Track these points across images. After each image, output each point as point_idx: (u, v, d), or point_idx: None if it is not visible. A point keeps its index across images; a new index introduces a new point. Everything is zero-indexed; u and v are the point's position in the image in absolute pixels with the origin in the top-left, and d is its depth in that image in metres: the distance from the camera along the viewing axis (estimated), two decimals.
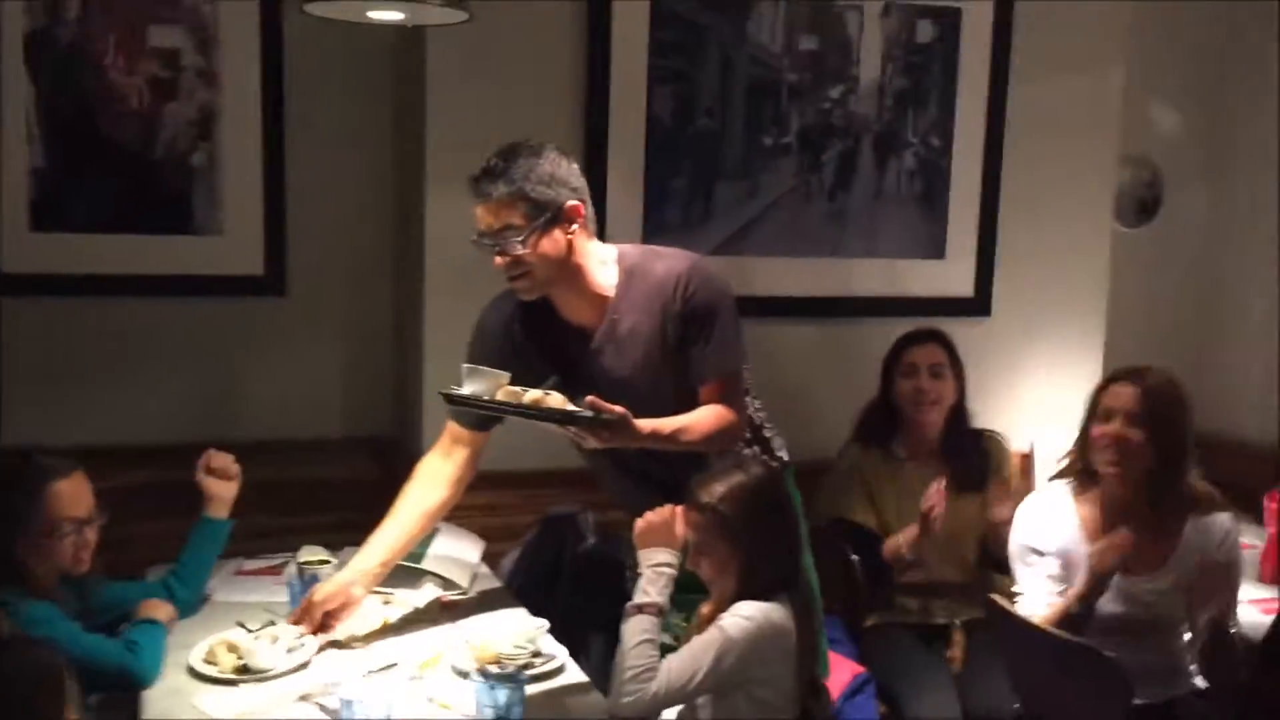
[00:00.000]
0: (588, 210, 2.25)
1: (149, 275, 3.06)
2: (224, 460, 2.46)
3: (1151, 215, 3.81)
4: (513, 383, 2.11)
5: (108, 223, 3.01)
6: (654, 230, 3.03)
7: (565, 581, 2.71)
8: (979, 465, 2.96)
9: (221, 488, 2.44)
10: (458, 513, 2.87)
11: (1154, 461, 2.43)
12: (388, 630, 2.30)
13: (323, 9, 2.15)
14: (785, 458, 2.46)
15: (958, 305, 3.36)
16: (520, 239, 2.17)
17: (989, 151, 3.32)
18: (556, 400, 2.07)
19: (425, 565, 2.58)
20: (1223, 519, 2.50)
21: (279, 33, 3.06)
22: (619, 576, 2.75)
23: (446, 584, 2.55)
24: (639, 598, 2.04)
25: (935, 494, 2.74)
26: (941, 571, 2.91)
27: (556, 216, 2.19)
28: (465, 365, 2.17)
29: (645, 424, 2.13)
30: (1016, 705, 2.61)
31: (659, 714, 2.03)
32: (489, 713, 1.85)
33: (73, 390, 3.05)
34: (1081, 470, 2.55)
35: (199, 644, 2.16)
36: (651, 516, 2.11)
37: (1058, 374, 3.44)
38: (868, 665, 2.73)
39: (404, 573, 2.54)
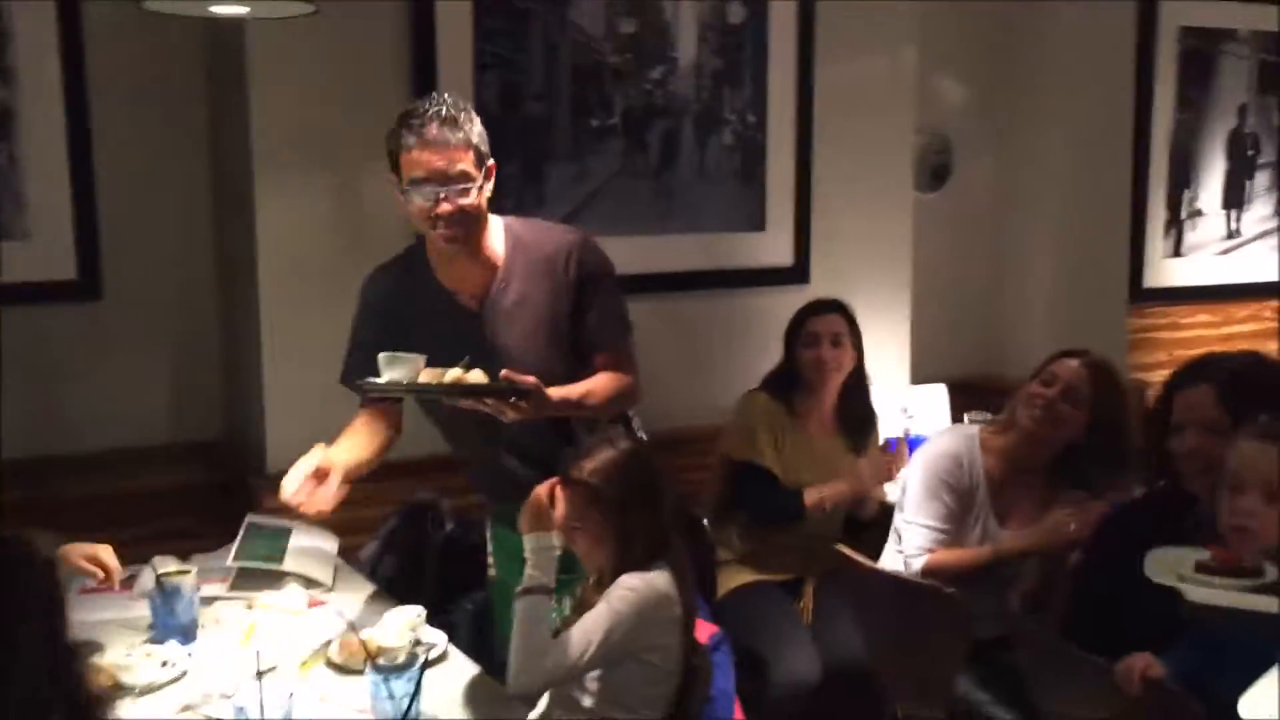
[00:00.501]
0: None
1: None
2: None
3: (944, 181, 4.07)
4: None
5: None
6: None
7: (429, 569, 2.72)
8: (870, 430, 3.13)
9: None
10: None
11: (1076, 433, 2.64)
12: (257, 634, 2.27)
13: (162, 6, 2.07)
14: (643, 436, 2.54)
15: (778, 275, 3.52)
16: (470, 187, 2.17)
17: (800, 127, 3.48)
18: (477, 376, 2.10)
19: (286, 566, 2.54)
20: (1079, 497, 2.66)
21: (78, 26, 2.91)
22: (480, 561, 2.80)
23: (309, 582, 2.52)
24: (526, 580, 2.08)
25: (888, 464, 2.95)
26: (814, 526, 3.04)
27: (488, 174, 2.22)
28: (382, 355, 2.15)
29: (555, 392, 2.16)
30: (866, 649, 2.79)
31: (554, 687, 2.08)
32: (388, 706, 1.86)
33: None
34: (1008, 417, 2.73)
35: None
36: (531, 500, 2.15)
37: (871, 332, 3.63)
38: (723, 625, 2.85)
39: (265, 576, 2.51)
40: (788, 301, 3.49)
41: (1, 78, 2.86)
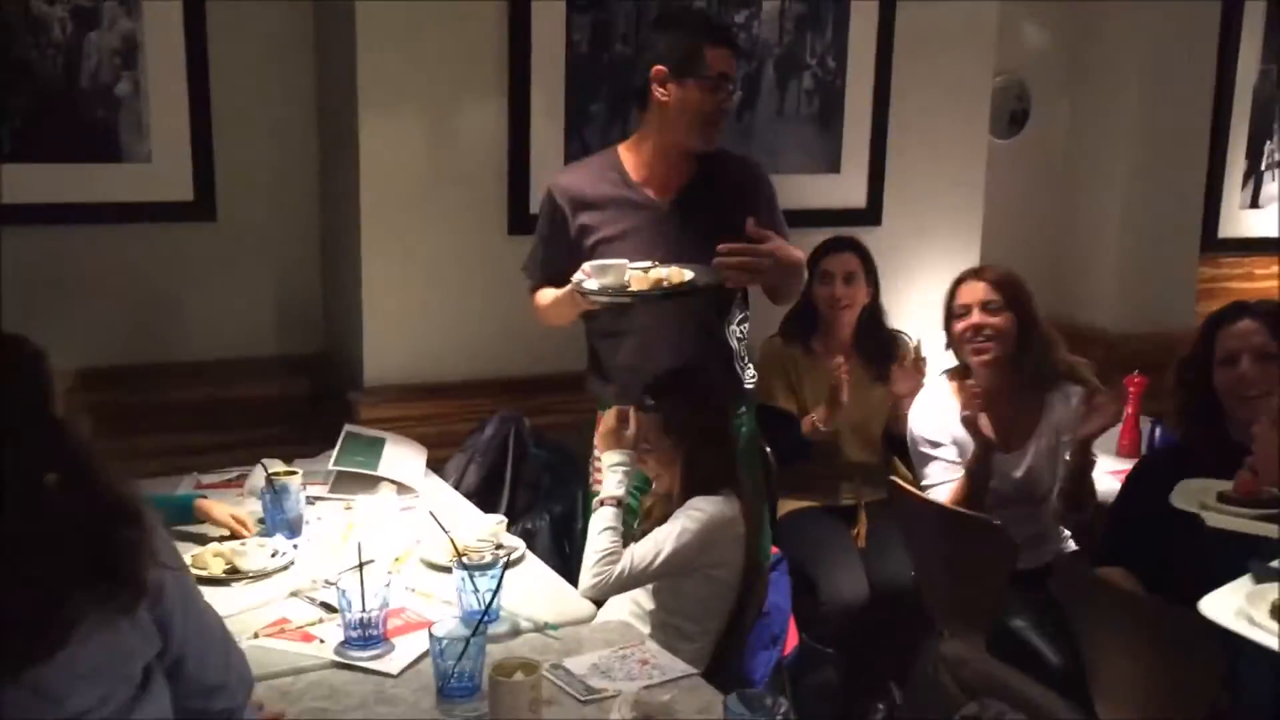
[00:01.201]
0: None
1: (78, 204, 3.10)
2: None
3: (1021, 126, 4.13)
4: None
5: (35, 153, 3.04)
6: (576, 152, 3.20)
7: (509, 482, 2.94)
8: (887, 359, 3.24)
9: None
10: (398, 424, 3.09)
11: (1015, 343, 2.77)
12: (356, 531, 2.50)
13: None
14: (755, 381, 2.76)
15: (852, 216, 3.63)
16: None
17: (879, 72, 3.57)
18: (678, 274, 2.38)
19: (380, 471, 2.77)
20: (1076, 389, 2.82)
21: None
22: (561, 477, 3.02)
23: (401, 488, 2.75)
24: (603, 492, 2.29)
25: (839, 366, 3.03)
26: (850, 454, 3.22)
27: None
28: (590, 264, 2.43)
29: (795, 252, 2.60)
30: (913, 574, 2.96)
31: (622, 592, 2.29)
32: (471, 599, 2.08)
33: (6, 318, 3.10)
34: (959, 369, 2.88)
35: (185, 554, 2.32)
36: (607, 420, 2.35)
37: (942, 274, 3.68)
38: (782, 547, 3.03)
39: (361, 479, 2.74)
40: (861, 241, 3.63)
41: (128, 10, 3.06)
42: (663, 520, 2.30)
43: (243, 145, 3.26)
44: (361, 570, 2.00)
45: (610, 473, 2.32)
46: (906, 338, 3.35)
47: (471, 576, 2.06)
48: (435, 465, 3.02)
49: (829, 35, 3.50)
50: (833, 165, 3.59)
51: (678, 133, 2.55)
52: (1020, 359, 2.82)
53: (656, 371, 2.50)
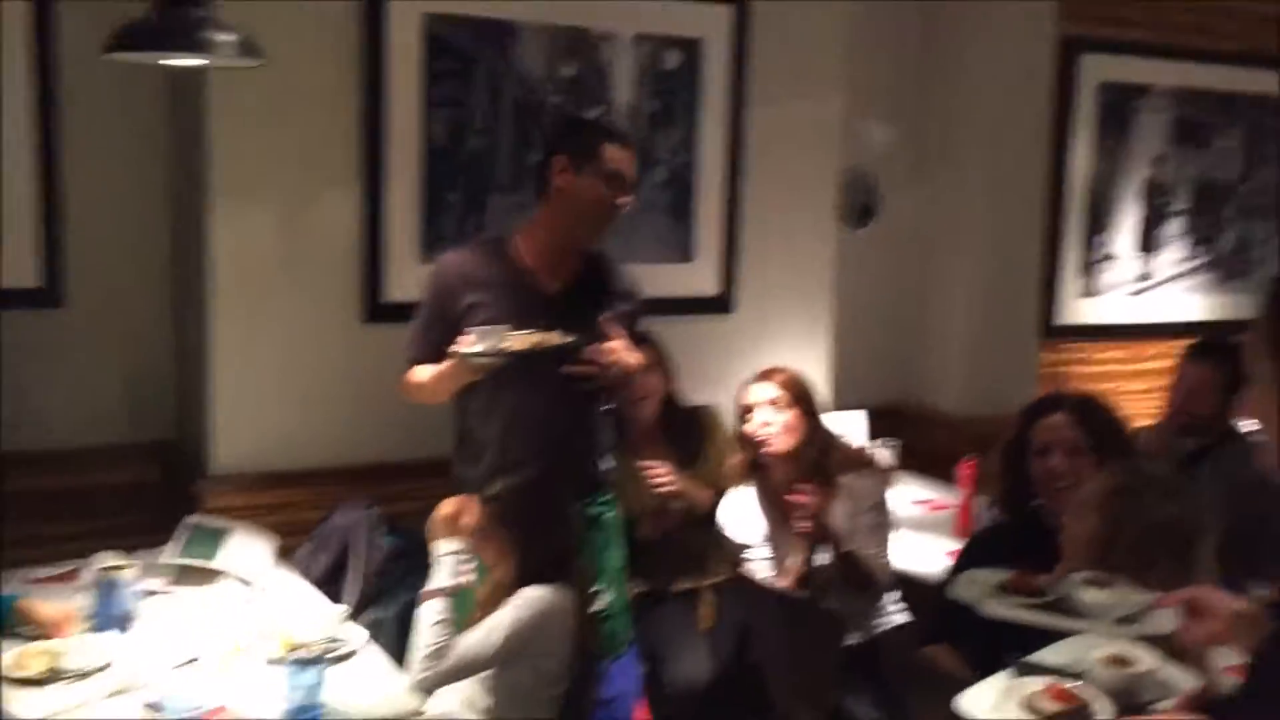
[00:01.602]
0: None
1: None
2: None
3: (870, 218, 4.32)
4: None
5: None
6: (432, 241, 3.26)
7: (358, 571, 2.94)
8: (695, 439, 3.34)
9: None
10: (248, 512, 3.07)
11: (803, 437, 2.94)
12: (189, 627, 2.48)
13: (123, 57, 2.28)
14: (615, 466, 2.87)
15: (705, 304, 3.74)
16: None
17: (729, 166, 3.70)
18: (557, 338, 2.51)
19: (219, 564, 2.75)
20: (868, 480, 3.01)
21: (50, 49, 3.10)
22: (412, 565, 3.02)
23: (242, 581, 2.73)
24: (430, 583, 2.31)
25: (654, 474, 3.11)
26: (687, 539, 3.29)
27: None
28: (474, 329, 2.55)
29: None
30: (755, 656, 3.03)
31: (454, 682, 2.31)
32: (297, 694, 2.07)
33: None
34: (750, 464, 3.03)
35: (8, 651, 2.28)
36: (439, 510, 2.38)
37: (793, 360, 3.84)
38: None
39: (201, 572, 2.72)
40: (714, 330, 3.75)
41: None
42: (496, 609, 2.33)
43: (93, 229, 3.24)
44: (183, 668, 1.99)
45: (442, 563, 2.35)
46: (712, 411, 3.43)
47: (294, 671, 2.07)
48: (286, 555, 3.00)
49: (681, 131, 3.63)
50: (686, 255, 3.71)
51: (571, 223, 2.72)
52: (806, 453, 2.97)
53: (525, 452, 2.57)
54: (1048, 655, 1.65)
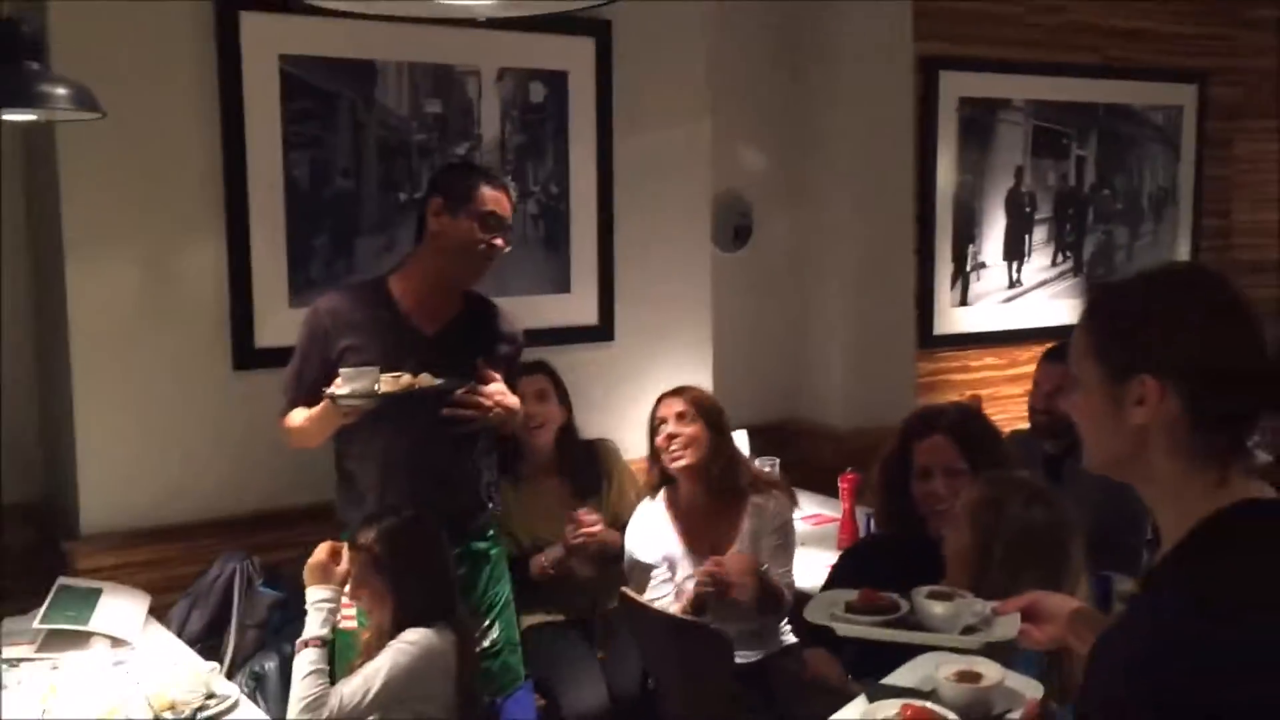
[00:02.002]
0: None
1: None
2: None
3: (746, 240, 4.39)
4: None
5: None
6: (300, 285, 3.23)
7: (237, 624, 2.88)
8: (593, 471, 3.37)
9: None
10: (119, 571, 2.99)
11: (708, 450, 2.99)
12: (59, 693, 2.40)
13: None
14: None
15: (585, 333, 3.76)
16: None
17: (601, 195, 3.73)
18: (428, 380, 2.49)
19: (91, 626, 2.68)
20: (774, 500, 3.06)
21: None
22: (292, 614, 2.97)
23: (115, 641, 2.66)
24: (305, 633, 2.28)
25: (581, 518, 3.14)
26: (581, 570, 3.29)
27: None
28: (344, 370, 2.53)
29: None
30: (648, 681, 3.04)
31: None
32: None
33: None
34: (660, 479, 3.06)
35: None
36: (314, 557, 2.35)
37: (676, 384, 3.85)
38: (525, 665, 3.07)
39: (73, 636, 2.64)
40: (594, 358, 3.77)
41: None
42: (375, 649, 2.31)
43: None
44: None
45: (314, 611, 2.32)
46: (610, 445, 3.47)
47: None
48: (160, 612, 2.93)
49: (550, 163, 3.66)
50: (563, 285, 3.72)
51: (447, 264, 2.73)
52: (712, 467, 3.02)
53: (402, 495, 2.57)
54: (899, 677, 1.69)
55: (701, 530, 2.97)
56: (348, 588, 2.42)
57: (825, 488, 3.92)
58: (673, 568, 2.97)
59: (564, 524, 3.17)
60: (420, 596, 2.36)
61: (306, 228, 3.27)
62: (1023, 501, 2.23)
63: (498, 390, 2.71)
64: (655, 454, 3.09)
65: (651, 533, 3.05)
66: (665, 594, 2.96)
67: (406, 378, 2.55)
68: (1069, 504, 2.29)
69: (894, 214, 4.49)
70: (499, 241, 2.74)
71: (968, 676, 1.60)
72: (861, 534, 3.42)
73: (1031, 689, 1.59)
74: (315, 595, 2.33)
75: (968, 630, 1.85)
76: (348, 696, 2.23)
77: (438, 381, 2.56)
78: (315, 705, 2.22)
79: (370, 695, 2.24)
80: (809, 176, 4.43)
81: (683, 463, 3.01)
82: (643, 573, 3.03)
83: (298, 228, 3.25)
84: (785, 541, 3.07)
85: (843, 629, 1.96)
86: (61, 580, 2.84)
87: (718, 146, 4.07)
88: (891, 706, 1.56)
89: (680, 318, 3.97)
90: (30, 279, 3.27)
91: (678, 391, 3.15)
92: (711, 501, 3.01)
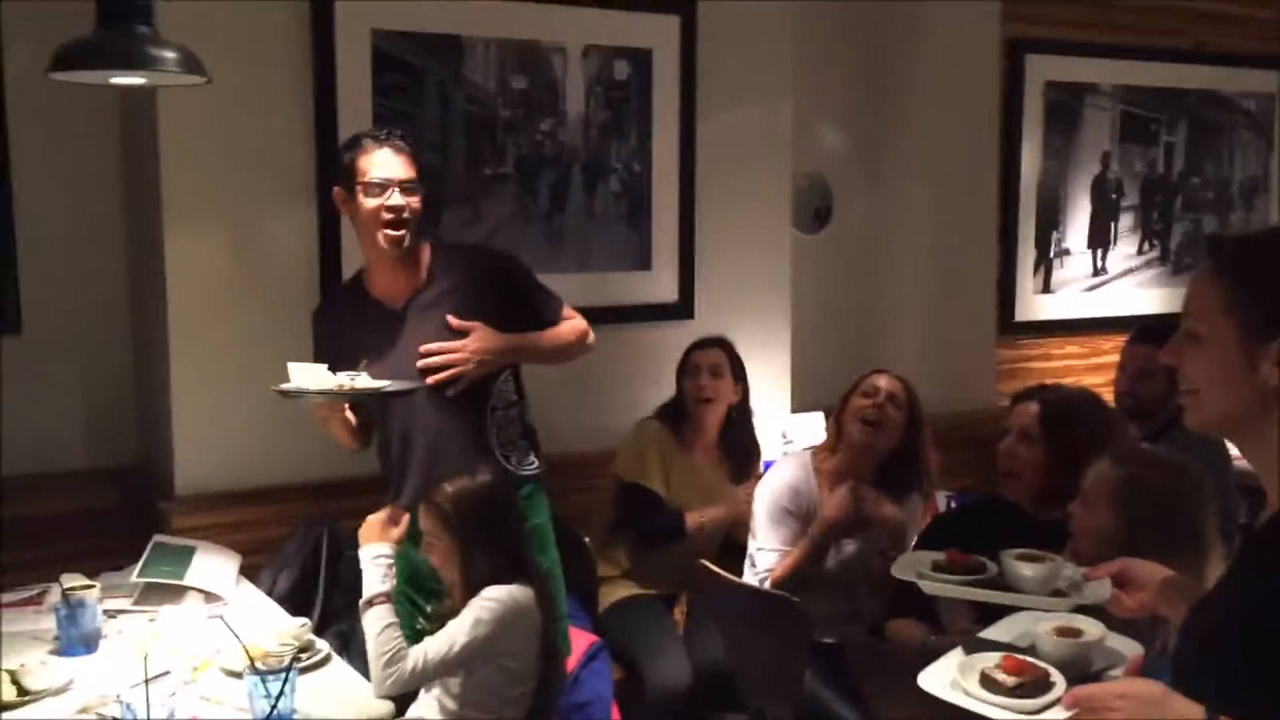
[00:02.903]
0: None
1: None
2: None
3: (825, 222, 4.37)
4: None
5: None
6: None
7: (321, 586, 2.94)
8: (748, 460, 3.39)
9: None
10: (211, 531, 3.07)
11: (899, 438, 2.95)
12: (156, 643, 2.47)
13: (67, 77, 2.29)
14: (535, 469, 2.78)
15: (665, 310, 3.77)
16: (417, 190, 2.57)
17: (683, 174, 3.75)
18: (365, 380, 2.46)
19: (186, 580, 2.74)
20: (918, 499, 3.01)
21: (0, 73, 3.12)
22: None
23: (209, 596, 2.73)
24: (366, 591, 2.32)
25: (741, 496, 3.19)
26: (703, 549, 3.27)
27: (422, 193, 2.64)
28: (291, 364, 2.52)
29: (507, 338, 2.63)
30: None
31: (420, 685, 2.31)
32: (262, 704, 2.07)
33: None
34: (833, 438, 3.02)
35: None
36: (370, 517, 2.40)
37: (754, 364, 3.90)
38: (604, 635, 3.09)
39: (168, 590, 2.71)
40: (674, 336, 3.77)
41: None
42: (454, 613, 2.34)
43: (49, 254, 3.25)
44: (147, 684, 1.98)
45: (371, 568, 2.35)
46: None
47: (261, 681, 2.06)
48: (250, 572, 3.00)
49: (633, 140, 3.67)
50: (643, 263, 3.74)
51: (370, 244, 2.64)
52: (893, 456, 2.99)
53: (420, 471, 2.60)
54: (994, 632, 1.69)
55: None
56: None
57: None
58: (806, 526, 2.93)
59: (711, 501, 3.22)
60: (490, 556, 2.38)
61: None
62: (1163, 474, 2.19)
63: (474, 340, 2.59)
64: (845, 415, 3.03)
65: (797, 483, 3.00)
66: (781, 548, 2.94)
67: (357, 377, 2.50)
68: (1205, 475, 2.24)
69: (976, 199, 4.44)
70: (395, 203, 2.55)
71: (1067, 632, 1.59)
72: None
73: (1131, 649, 1.57)
74: (373, 551, 2.36)
75: (1057, 594, 1.83)
76: (432, 653, 2.27)
77: (383, 385, 2.50)
78: (396, 659, 2.25)
79: (454, 650, 2.27)
80: (890, 159, 4.40)
81: (872, 439, 2.96)
82: (774, 521, 2.97)
83: None
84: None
85: (930, 587, 1.96)
86: (157, 538, 2.91)
87: (799, 128, 4.06)
88: (991, 659, 1.55)
89: (760, 297, 3.97)
90: (126, 245, 3.37)
91: (885, 372, 3.10)
92: (871, 479, 2.96)
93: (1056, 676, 1.53)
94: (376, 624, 2.28)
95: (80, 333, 3.33)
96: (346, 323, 2.70)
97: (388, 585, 2.34)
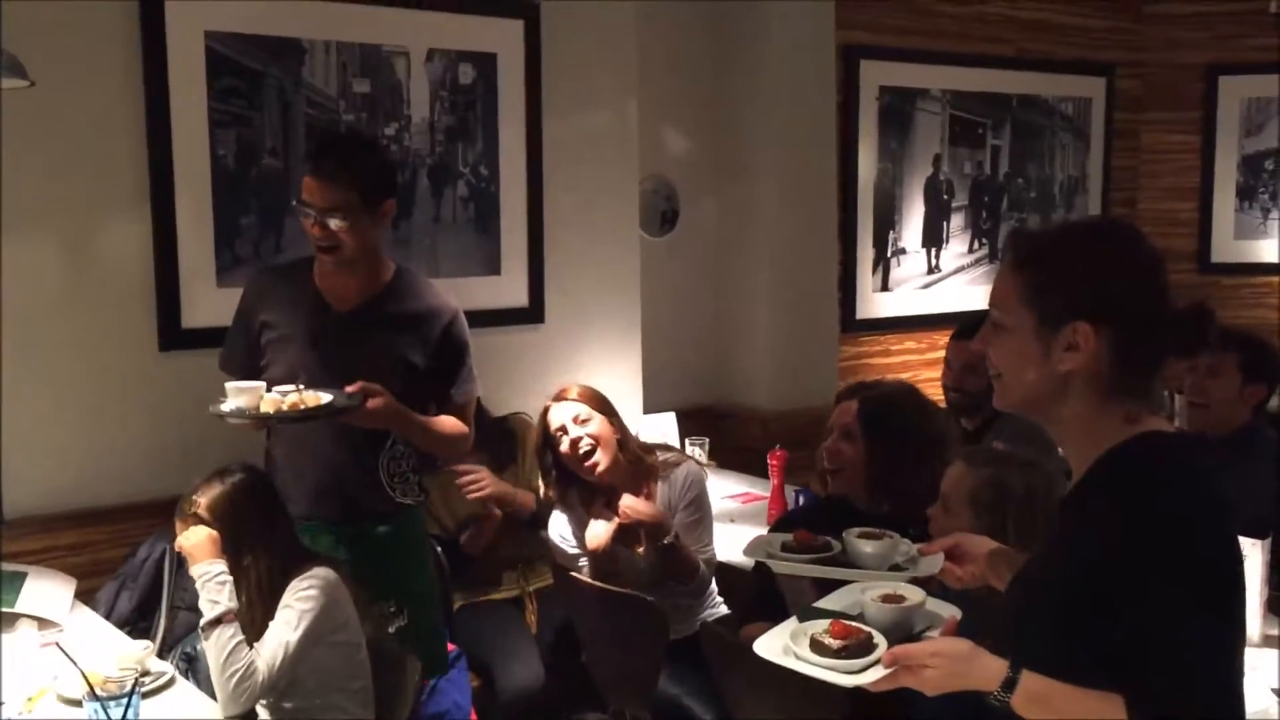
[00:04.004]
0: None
1: None
2: None
3: (672, 225, 4.44)
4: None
5: None
6: (228, 265, 3.20)
7: (167, 605, 2.85)
8: (507, 446, 3.39)
9: None
10: (45, 555, 2.94)
11: (612, 446, 2.99)
12: None
13: None
14: (420, 498, 2.80)
15: (515, 315, 3.77)
16: (339, 217, 2.53)
17: (530, 178, 3.75)
18: (312, 397, 2.41)
19: (18, 608, 2.62)
20: (682, 469, 3.06)
21: None
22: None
23: (42, 623, 2.61)
24: (211, 612, 2.26)
25: (473, 477, 3.16)
26: (508, 546, 3.31)
27: (375, 209, 2.61)
28: (229, 384, 2.46)
29: (405, 411, 2.56)
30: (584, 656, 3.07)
31: (270, 695, 2.27)
32: None
33: None
34: (563, 488, 3.06)
35: None
36: (190, 533, 2.34)
37: (604, 367, 3.95)
38: (459, 642, 3.08)
39: None
40: (525, 341, 3.79)
41: None
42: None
43: None
44: None
45: (215, 585, 2.29)
46: (525, 417, 3.49)
47: (102, 707, 1.99)
48: (88, 596, 2.89)
49: (480, 145, 3.66)
50: (493, 268, 3.73)
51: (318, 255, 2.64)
52: (620, 458, 3.00)
53: (306, 482, 2.58)
54: (828, 602, 1.81)
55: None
56: None
57: (754, 468, 3.99)
58: (580, 543, 3.00)
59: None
60: (264, 554, 2.34)
61: (234, 206, 3.23)
62: (1018, 472, 2.29)
63: (380, 403, 2.51)
64: (560, 467, 3.01)
65: (572, 535, 3.04)
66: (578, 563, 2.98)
67: (296, 395, 2.45)
68: (1057, 470, 2.34)
69: (817, 200, 4.58)
70: (313, 232, 2.56)
71: (891, 599, 1.71)
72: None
73: (951, 612, 1.70)
74: (208, 569, 2.30)
75: (895, 569, 1.96)
76: (268, 657, 2.23)
77: (324, 400, 2.46)
78: (248, 675, 2.20)
79: (292, 646, 2.24)
80: (734, 162, 4.50)
81: (603, 466, 2.95)
82: (571, 564, 3.03)
83: (224, 206, 3.21)
84: (701, 515, 3.03)
85: (778, 566, 2.05)
86: None
87: (644, 132, 4.11)
88: (820, 625, 1.65)
89: (609, 300, 4.00)
90: None
91: (560, 395, 3.05)
92: (622, 488, 2.98)
93: (879, 639, 1.65)
94: (226, 643, 2.23)
95: None
96: (284, 305, 2.65)
97: (232, 602, 2.28)
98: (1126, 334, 1.45)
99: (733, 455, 4.19)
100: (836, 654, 1.61)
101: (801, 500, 3.44)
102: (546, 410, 3.04)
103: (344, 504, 2.64)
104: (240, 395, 2.43)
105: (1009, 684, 1.42)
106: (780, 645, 1.67)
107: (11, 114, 2.89)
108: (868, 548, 1.98)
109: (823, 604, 1.80)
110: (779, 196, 4.46)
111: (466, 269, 3.68)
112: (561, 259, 3.87)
